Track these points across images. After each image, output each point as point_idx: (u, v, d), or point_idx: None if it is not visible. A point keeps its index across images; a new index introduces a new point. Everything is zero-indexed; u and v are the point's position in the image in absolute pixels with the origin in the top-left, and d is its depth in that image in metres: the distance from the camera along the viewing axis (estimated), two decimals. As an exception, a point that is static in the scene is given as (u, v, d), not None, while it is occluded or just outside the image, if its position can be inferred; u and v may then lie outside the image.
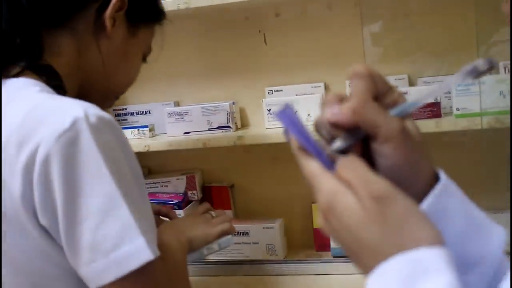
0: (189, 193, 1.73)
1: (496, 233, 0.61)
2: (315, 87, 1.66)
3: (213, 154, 1.75)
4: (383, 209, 0.51)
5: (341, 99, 0.59)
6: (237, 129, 1.66)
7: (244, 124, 1.74)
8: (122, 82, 1.09)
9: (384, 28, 1.53)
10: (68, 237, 0.76)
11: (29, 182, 0.75)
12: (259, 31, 1.70)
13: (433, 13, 1.54)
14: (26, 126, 0.77)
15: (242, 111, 1.73)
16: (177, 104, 1.77)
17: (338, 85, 1.66)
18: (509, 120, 1.37)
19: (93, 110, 0.79)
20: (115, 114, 1.80)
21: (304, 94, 1.64)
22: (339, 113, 0.57)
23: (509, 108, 1.40)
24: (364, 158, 0.56)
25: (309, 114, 1.60)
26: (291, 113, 0.60)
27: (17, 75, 0.88)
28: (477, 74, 0.56)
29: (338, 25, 1.64)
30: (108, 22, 0.96)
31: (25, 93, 0.84)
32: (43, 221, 0.77)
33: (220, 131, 1.62)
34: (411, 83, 1.58)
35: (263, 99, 1.62)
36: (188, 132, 1.64)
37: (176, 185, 1.74)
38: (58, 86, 0.90)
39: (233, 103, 1.64)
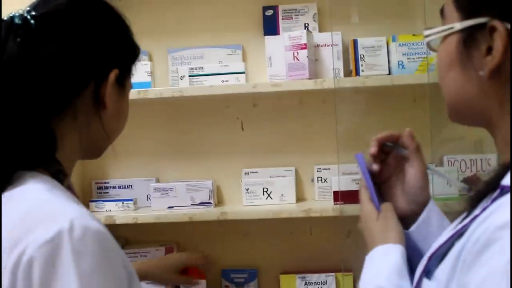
0: (167, 263, 1.86)
1: None
2: (287, 170, 1.87)
3: (188, 228, 1.90)
4: (385, 222, 1.02)
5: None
6: (215, 205, 1.83)
7: (220, 201, 1.92)
8: (120, 131, 1.09)
9: (356, 123, 1.78)
10: None
11: (14, 281, 0.79)
12: (237, 118, 1.92)
13: (392, 110, 1.82)
14: (19, 229, 0.82)
15: (218, 189, 1.91)
16: (157, 180, 1.93)
17: (308, 169, 1.88)
18: (455, 206, 1.63)
19: (80, 222, 0.81)
20: (98, 187, 1.93)
21: (277, 177, 1.85)
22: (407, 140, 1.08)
23: (455, 195, 1.68)
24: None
25: (282, 195, 1.81)
26: (364, 160, 1.08)
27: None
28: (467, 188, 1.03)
29: (308, 117, 1.89)
30: (107, 99, 0.98)
31: (26, 190, 0.89)
32: None
33: (202, 206, 1.80)
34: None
35: (242, 179, 1.82)
36: (172, 207, 1.80)
37: (155, 255, 1.87)
38: (58, 171, 0.94)
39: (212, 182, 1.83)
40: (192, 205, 1.80)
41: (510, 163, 0.74)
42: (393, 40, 1.76)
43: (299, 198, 1.87)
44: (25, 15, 0.91)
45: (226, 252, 1.93)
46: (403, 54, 1.76)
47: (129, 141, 1.92)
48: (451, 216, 1.57)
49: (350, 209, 1.69)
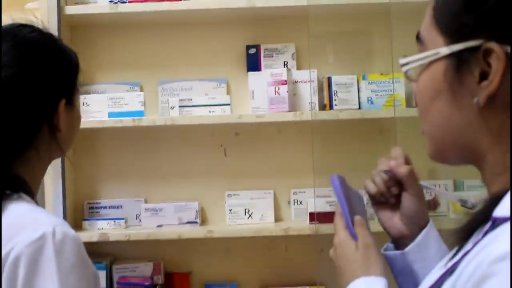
0: (155, 277, 2.02)
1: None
2: (266, 193, 2.06)
3: (174, 245, 2.06)
4: (365, 251, 0.96)
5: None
6: (200, 224, 2.01)
7: (204, 221, 2.09)
8: (74, 138, 1.18)
9: (330, 151, 1.99)
10: None
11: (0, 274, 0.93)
12: (221, 145, 2.11)
13: (360, 140, 2.04)
14: (9, 230, 0.96)
15: (202, 209, 2.09)
16: (146, 201, 2.09)
17: (285, 192, 2.08)
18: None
19: (61, 228, 0.96)
20: (90, 207, 2.08)
21: (258, 199, 2.04)
22: (400, 170, 1.05)
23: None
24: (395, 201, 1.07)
25: (262, 215, 2.00)
26: (339, 184, 1.03)
27: None
28: (462, 204, 1.04)
29: (285, 145, 2.10)
30: (61, 125, 1.09)
31: (13, 205, 1.01)
32: None
33: (189, 225, 1.97)
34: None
35: (225, 201, 2.00)
36: (161, 225, 1.97)
37: (143, 270, 2.02)
38: (28, 191, 1.06)
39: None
40: (180, 224, 1.97)
41: (510, 192, 0.69)
42: (363, 78, 1.99)
43: (277, 218, 2.06)
44: None
45: (209, 267, 2.09)
46: (372, 91, 1.98)
47: (119, 164, 2.10)
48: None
49: (324, 228, 1.89)
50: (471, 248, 0.69)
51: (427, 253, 1.02)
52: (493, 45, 0.69)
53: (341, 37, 2.10)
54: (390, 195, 1.08)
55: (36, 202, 1.08)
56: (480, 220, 0.72)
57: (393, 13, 1.92)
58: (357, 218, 1.01)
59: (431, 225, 1.05)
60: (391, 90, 1.97)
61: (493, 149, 0.74)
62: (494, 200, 0.71)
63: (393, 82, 1.95)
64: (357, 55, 2.08)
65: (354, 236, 0.98)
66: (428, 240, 1.04)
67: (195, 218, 1.98)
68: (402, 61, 0.82)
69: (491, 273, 0.63)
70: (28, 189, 1.07)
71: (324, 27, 2.03)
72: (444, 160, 0.84)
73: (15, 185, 1.04)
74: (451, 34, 0.74)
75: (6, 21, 1.13)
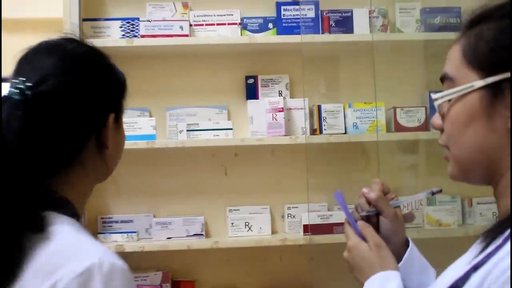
0: (163, 285, 2.24)
1: (432, 271, 1.24)
2: (263, 208, 2.31)
3: (179, 255, 2.28)
4: (378, 251, 1.12)
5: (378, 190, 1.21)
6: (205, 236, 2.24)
7: (207, 233, 2.31)
8: (119, 159, 1.15)
9: (321, 168, 2.25)
10: None
11: None
12: (222, 165, 2.35)
13: (347, 159, 2.30)
14: (51, 263, 0.90)
15: (205, 223, 2.32)
16: (154, 215, 2.31)
17: (279, 207, 2.33)
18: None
19: (108, 258, 0.90)
20: (103, 221, 2.29)
21: (255, 213, 2.28)
22: (370, 195, 1.19)
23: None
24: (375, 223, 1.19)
25: (260, 228, 2.24)
26: (342, 197, 1.21)
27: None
28: (433, 194, 1.23)
29: (280, 166, 2.35)
30: (109, 142, 1.07)
31: (56, 230, 0.95)
32: None
33: (196, 237, 2.20)
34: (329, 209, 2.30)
35: (228, 215, 2.24)
36: (170, 238, 2.19)
37: (153, 278, 2.24)
38: (73, 214, 1.02)
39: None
40: (187, 236, 2.20)
41: (510, 190, 0.85)
42: (349, 106, 2.26)
43: (273, 231, 2.30)
44: (21, 86, 0.96)
45: (211, 275, 2.32)
46: (356, 117, 2.25)
47: (130, 182, 2.31)
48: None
49: (316, 239, 2.15)
50: (494, 251, 0.85)
51: (411, 270, 1.16)
52: None
53: (330, 70, 2.38)
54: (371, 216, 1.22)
55: (80, 223, 1.04)
56: (502, 227, 0.87)
57: (376, 50, 2.20)
58: (361, 223, 1.17)
59: (413, 244, 1.19)
60: (373, 117, 2.24)
61: (510, 169, 0.91)
62: None
63: (375, 110, 2.23)
64: (343, 86, 2.37)
65: (363, 239, 1.14)
66: (413, 258, 1.18)
67: (201, 231, 2.21)
68: (435, 96, 0.98)
69: None
70: (72, 209, 1.03)
71: (315, 62, 2.31)
72: (465, 179, 0.98)
73: (56, 205, 0.99)
74: (484, 69, 0.91)
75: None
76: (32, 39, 1.08)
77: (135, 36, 2.26)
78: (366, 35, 2.27)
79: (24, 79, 0.96)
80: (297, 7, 2.29)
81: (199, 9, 2.33)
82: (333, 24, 2.28)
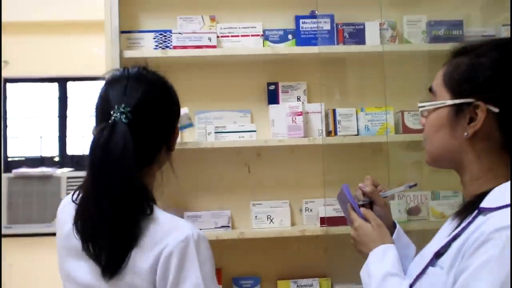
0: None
1: (413, 246, 1.53)
2: (284, 203, 2.54)
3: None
4: (379, 229, 1.42)
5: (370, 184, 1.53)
6: (232, 228, 2.47)
7: (233, 225, 2.55)
8: None
9: (336, 167, 2.49)
10: None
11: (155, 265, 1.28)
12: (246, 164, 2.59)
13: (359, 158, 2.54)
14: (160, 233, 1.30)
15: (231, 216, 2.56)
16: (184, 209, 2.54)
17: (297, 202, 2.56)
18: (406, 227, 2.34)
19: (196, 230, 1.33)
20: (138, 214, 2.52)
21: (276, 207, 2.51)
22: (366, 188, 1.51)
23: (404, 219, 2.40)
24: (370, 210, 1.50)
25: (281, 220, 2.48)
26: (348, 189, 1.52)
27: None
28: (410, 187, 1.53)
29: (298, 164, 2.59)
30: (173, 146, 1.51)
31: (158, 213, 1.35)
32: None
33: (223, 229, 2.43)
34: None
35: (251, 209, 2.48)
36: (201, 229, 2.41)
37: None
38: (154, 201, 1.40)
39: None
40: (215, 228, 2.44)
41: (510, 186, 1.14)
42: (361, 110, 2.49)
43: (292, 223, 2.54)
44: (125, 111, 1.34)
45: (235, 263, 2.56)
46: (368, 120, 2.48)
47: (163, 180, 2.54)
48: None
49: (332, 230, 2.38)
50: (467, 225, 1.16)
51: (400, 244, 1.46)
52: (480, 103, 1.19)
53: (344, 77, 2.63)
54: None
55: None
56: (470, 208, 1.20)
57: (386, 60, 2.44)
58: (363, 209, 1.48)
59: (399, 226, 1.52)
60: (383, 120, 2.47)
61: (473, 163, 1.24)
62: (480, 196, 1.19)
63: (385, 114, 2.46)
64: (356, 92, 2.62)
65: (367, 221, 1.45)
66: (400, 235, 1.50)
67: (228, 223, 2.45)
68: (420, 104, 1.32)
69: (489, 239, 1.09)
70: (153, 198, 1.41)
71: (331, 70, 2.55)
72: (437, 166, 1.34)
73: (148, 195, 1.38)
74: (455, 92, 1.24)
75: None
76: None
77: (167, 46, 2.49)
78: (377, 46, 2.50)
79: (124, 105, 1.35)
80: (314, 20, 2.52)
81: (225, 22, 2.56)
82: (347, 36, 2.52)
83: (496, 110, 1.19)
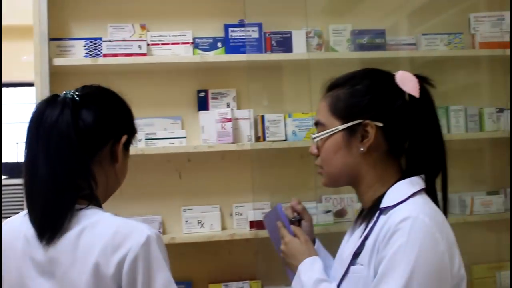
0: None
1: (331, 257, 1.68)
2: (214, 207, 2.59)
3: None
4: (306, 243, 1.60)
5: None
6: (163, 233, 2.50)
7: (164, 231, 2.58)
8: (121, 182, 1.58)
9: (265, 171, 2.55)
10: None
11: (119, 270, 1.27)
12: (176, 170, 2.62)
13: (287, 164, 2.61)
14: (116, 239, 1.28)
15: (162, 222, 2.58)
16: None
17: (228, 206, 2.61)
18: (331, 228, 2.43)
19: (153, 231, 1.33)
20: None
21: (207, 212, 2.56)
22: (298, 206, 1.73)
23: (330, 222, 2.48)
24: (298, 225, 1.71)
25: (211, 225, 2.52)
26: (282, 209, 1.69)
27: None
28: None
29: (228, 169, 2.64)
30: (119, 155, 1.45)
31: (102, 217, 1.37)
32: None
33: (154, 234, 2.46)
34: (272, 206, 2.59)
35: (182, 214, 2.52)
36: (131, 235, 2.44)
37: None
38: (100, 206, 1.43)
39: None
40: (146, 233, 2.46)
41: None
42: (289, 116, 2.56)
43: (223, 227, 2.59)
44: (73, 94, 1.39)
45: (168, 269, 2.58)
46: (295, 126, 2.56)
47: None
48: (328, 236, 2.36)
49: (261, 233, 2.44)
50: (373, 226, 1.37)
51: (321, 255, 1.62)
52: (368, 121, 1.41)
53: (272, 84, 2.70)
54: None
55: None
56: (373, 211, 1.42)
57: (312, 67, 2.53)
58: (292, 226, 1.66)
59: (318, 241, 1.72)
60: (310, 125, 2.55)
61: (368, 173, 1.46)
62: (378, 200, 1.42)
63: (312, 119, 2.54)
64: (284, 98, 2.69)
65: (295, 236, 1.62)
66: (319, 248, 1.70)
67: (159, 229, 2.48)
68: (315, 135, 1.49)
69: (395, 230, 1.29)
70: (99, 202, 1.43)
71: (259, 77, 2.62)
72: (334, 185, 1.55)
73: (92, 197, 1.39)
74: (345, 118, 1.44)
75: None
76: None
77: (97, 54, 2.51)
78: (303, 54, 2.58)
79: (73, 91, 1.41)
80: (243, 28, 2.59)
81: (155, 30, 2.60)
82: (275, 44, 2.59)
83: (380, 124, 1.41)
